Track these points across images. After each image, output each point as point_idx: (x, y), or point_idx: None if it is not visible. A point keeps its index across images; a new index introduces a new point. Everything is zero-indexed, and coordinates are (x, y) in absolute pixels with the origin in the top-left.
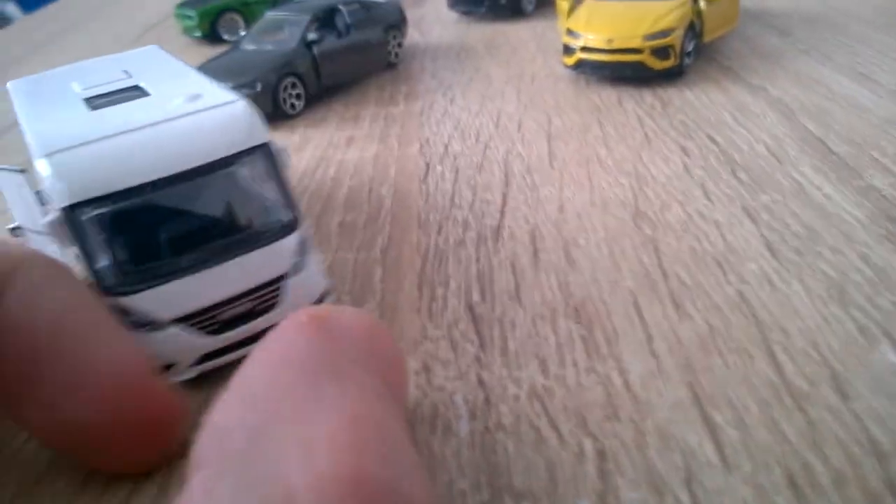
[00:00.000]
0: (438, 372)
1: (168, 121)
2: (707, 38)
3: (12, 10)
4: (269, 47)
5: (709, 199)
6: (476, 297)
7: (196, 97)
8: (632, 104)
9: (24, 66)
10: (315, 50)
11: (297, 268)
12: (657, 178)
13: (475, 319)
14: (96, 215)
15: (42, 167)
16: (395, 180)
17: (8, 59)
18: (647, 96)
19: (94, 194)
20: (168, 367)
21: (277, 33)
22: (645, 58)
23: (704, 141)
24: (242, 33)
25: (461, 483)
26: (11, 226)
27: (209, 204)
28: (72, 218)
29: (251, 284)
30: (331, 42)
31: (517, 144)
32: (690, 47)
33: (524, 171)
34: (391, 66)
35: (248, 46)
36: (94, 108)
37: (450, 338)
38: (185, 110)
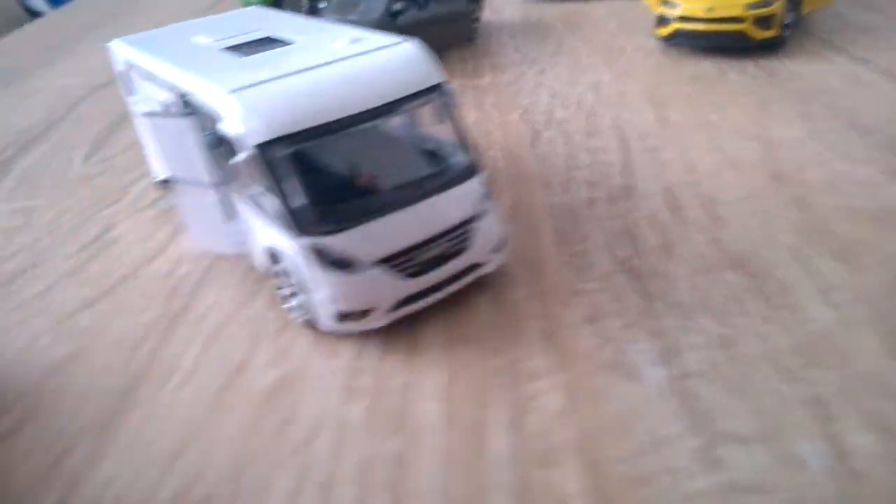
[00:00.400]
0: (607, 323)
1: (345, 59)
2: (805, 11)
3: (40, 3)
4: (353, 18)
5: (846, 160)
6: (622, 252)
7: (358, 39)
8: (734, 74)
9: (74, 51)
10: (400, 21)
11: (482, 211)
12: (784, 142)
13: (629, 273)
14: (291, 152)
15: (229, 104)
16: (503, 144)
17: (52, 46)
18: (749, 67)
19: (288, 130)
20: (365, 312)
21: (359, 5)
22: (746, 27)
23: (822, 108)
24: (324, 4)
25: (666, 429)
26: (161, 178)
27: (397, 143)
28: (266, 155)
29: (445, 226)
30: (414, 14)
31: (623, 111)
32: (789, 19)
33: (637, 136)
34: (469, 40)
35: (331, 17)
36: (246, 54)
37: (608, 290)
38: (356, 50)
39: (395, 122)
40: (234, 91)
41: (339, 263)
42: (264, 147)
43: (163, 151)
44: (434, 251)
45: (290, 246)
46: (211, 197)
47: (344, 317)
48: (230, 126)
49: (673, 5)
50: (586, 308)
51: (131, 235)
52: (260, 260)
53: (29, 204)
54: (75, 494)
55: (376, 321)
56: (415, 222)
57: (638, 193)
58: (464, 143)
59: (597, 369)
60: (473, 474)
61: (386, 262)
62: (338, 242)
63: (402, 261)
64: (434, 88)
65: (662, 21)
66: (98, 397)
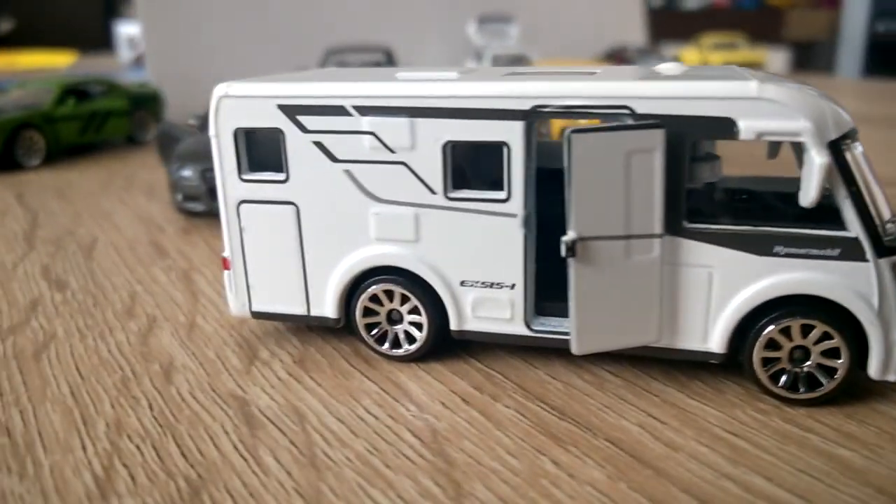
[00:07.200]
0: None
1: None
2: None
3: None
4: None
5: None
6: None
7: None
8: None
9: None
10: None
11: None
12: None
13: None
14: (845, 155)
15: (779, 97)
16: None
17: None
18: None
19: (845, 128)
20: None
21: None
22: None
23: None
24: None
25: None
26: (571, 238)
27: None
28: (838, 155)
29: None
30: None
31: None
32: None
33: None
34: None
35: None
36: (577, 73)
37: None
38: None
39: None
40: (766, 83)
41: None
42: (833, 145)
43: (580, 196)
44: None
45: (859, 273)
46: (654, 252)
47: None
48: (773, 126)
49: None
50: None
51: (365, 400)
52: (714, 335)
53: None
54: None
55: None
56: None
57: None
58: None
59: None
60: None
61: None
62: None
63: None
64: None
65: None
66: None
